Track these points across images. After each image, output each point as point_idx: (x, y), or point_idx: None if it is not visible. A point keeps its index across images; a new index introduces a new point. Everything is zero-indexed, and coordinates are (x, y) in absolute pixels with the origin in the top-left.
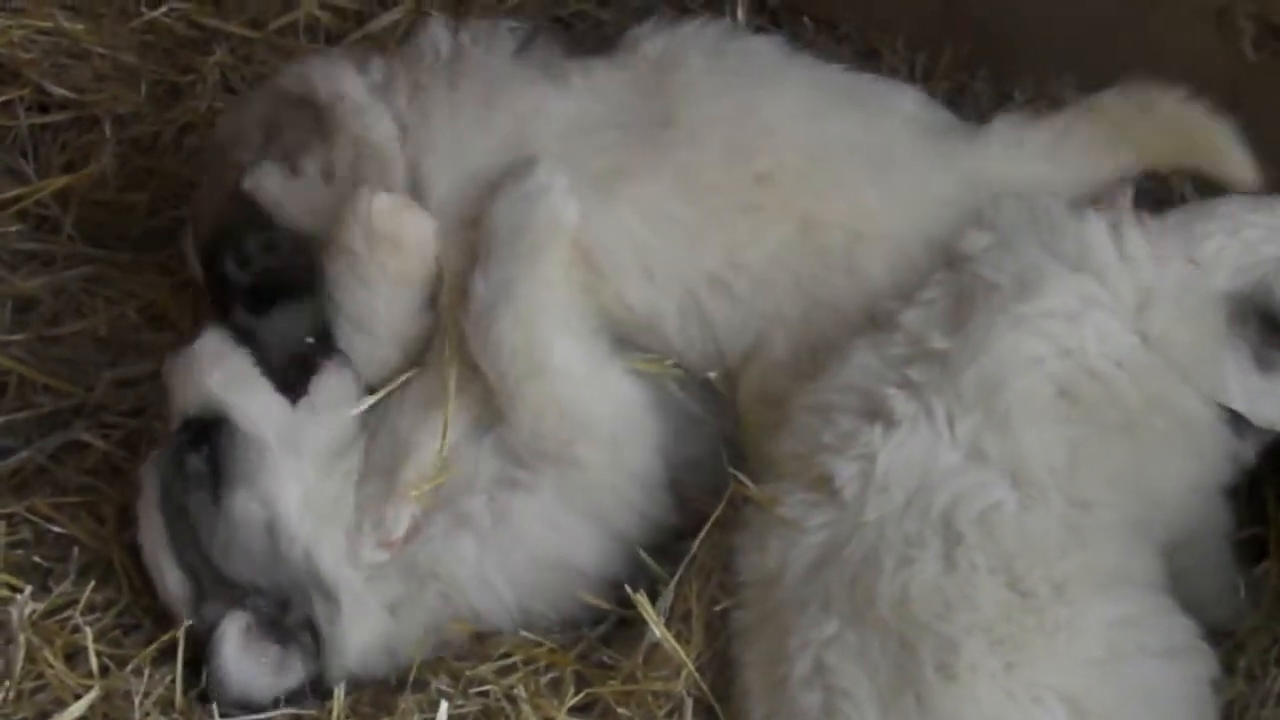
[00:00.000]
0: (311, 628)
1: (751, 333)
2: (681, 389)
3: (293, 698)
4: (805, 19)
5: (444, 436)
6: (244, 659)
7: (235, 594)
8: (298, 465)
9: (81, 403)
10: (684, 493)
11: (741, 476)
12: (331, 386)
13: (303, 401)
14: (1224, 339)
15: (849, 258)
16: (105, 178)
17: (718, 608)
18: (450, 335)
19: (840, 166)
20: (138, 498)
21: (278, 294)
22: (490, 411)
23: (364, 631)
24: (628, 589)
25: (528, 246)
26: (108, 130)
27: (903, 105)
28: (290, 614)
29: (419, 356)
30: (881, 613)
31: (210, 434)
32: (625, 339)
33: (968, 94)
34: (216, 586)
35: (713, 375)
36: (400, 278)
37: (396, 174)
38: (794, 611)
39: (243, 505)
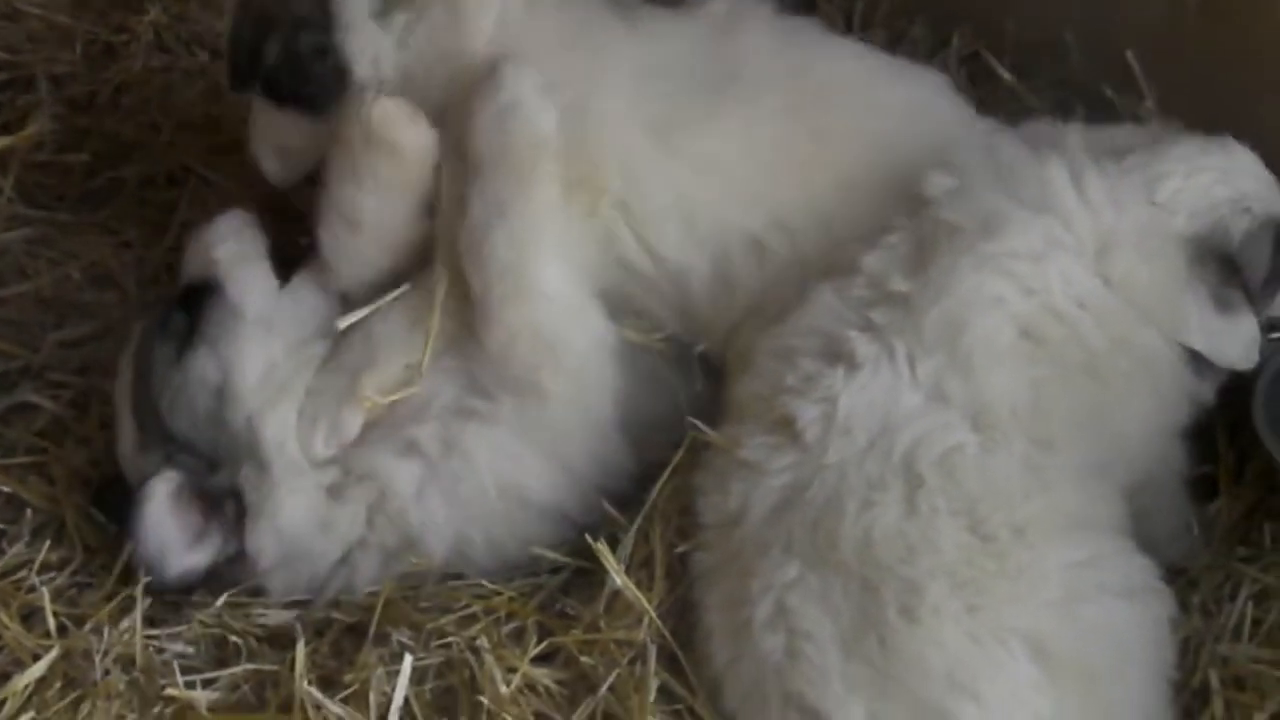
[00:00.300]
0: (236, 498)
1: (770, 285)
2: (658, 356)
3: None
4: None
5: (426, 351)
6: (165, 519)
7: (171, 449)
8: (266, 341)
9: (27, 364)
10: (647, 449)
11: (699, 423)
12: (314, 277)
13: (289, 285)
14: (1184, 281)
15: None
16: (43, 138)
17: (679, 549)
18: (441, 253)
19: (895, 127)
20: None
21: (292, 93)
22: (456, 339)
23: (299, 503)
24: (588, 539)
25: (514, 165)
26: (44, 91)
27: (941, 86)
28: (217, 476)
29: (409, 266)
30: (844, 556)
31: (200, 297)
32: (626, 298)
33: (905, 41)
34: (156, 438)
35: (700, 349)
36: (395, 183)
37: (468, 67)
38: (756, 554)
39: (201, 364)
